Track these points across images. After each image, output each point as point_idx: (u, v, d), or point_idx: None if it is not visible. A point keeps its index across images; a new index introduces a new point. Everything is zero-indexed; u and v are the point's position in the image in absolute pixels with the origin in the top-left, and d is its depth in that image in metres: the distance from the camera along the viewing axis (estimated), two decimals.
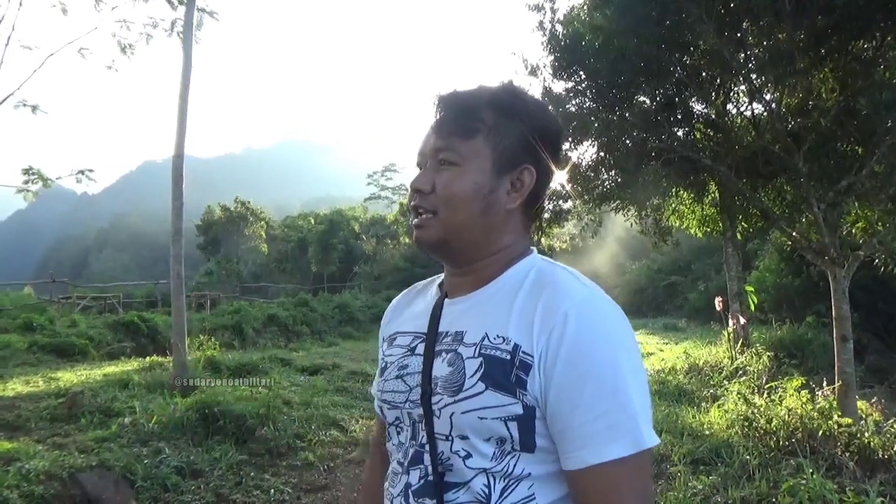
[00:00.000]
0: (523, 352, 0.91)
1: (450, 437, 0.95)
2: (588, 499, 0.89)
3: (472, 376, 0.93)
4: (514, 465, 0.92)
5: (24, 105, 13.61)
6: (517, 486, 0.93)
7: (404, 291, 1.24)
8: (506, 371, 0.91)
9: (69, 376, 7.89)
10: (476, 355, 0.94)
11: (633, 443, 0.87)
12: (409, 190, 1.04)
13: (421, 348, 1.04)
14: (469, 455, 0.94)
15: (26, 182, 13.03)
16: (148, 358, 9.90)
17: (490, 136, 1.00)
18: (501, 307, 0.98)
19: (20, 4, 9.47)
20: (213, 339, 10.78)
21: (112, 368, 8.79)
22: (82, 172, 14.72)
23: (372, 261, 37.67)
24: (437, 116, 1.04)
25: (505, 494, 0.92)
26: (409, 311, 1.16)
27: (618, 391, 0.88)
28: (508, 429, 0.91)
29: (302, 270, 40.77)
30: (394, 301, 1.24)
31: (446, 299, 1.07)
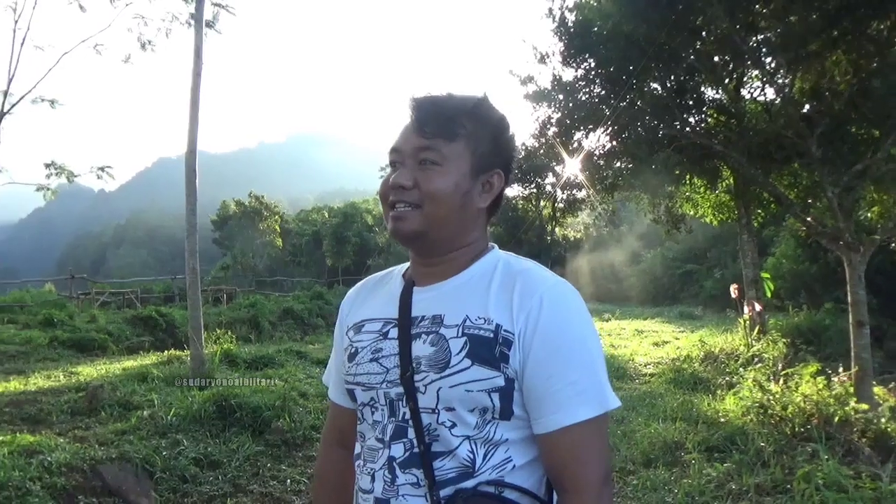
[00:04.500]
0: (505, 330, 1.03)
1: (436, 410, 1.04)
2: (559, 456, 1.03)
3: (457, 354, 1.03)
4: (494, 432, 1.04)
5: (42, 101, 13.73)
6: (496, 450, 1.04)
7: (360, 284, 1.32)
8: (490, 347, 1.02)
9: (89, 370, 8.00)
10: (460, 335, 1.04)
11: (600, 405, 1.02)
12: (387, 187, 1.11)
13: (393, 333, 1.12)
14: (454, 425, 1.03)
15: (48, 176, 13.17)
16: (166, 352, 10.00)
17: (470, 141, 1.10)
18: (477, 293, 1.09)
19: (35, 4, 9.58)
20: (229, 333, 10.84)
21: (131, 362, 8.90)
22: (102, 169, 14.85)
23: (386, 253, 37.73)
24: (415, 118, 1.11)
25: (487, 458, 1.04)
26: (372, 300, 1.23)
27: (585, 362, 1.03)
28: (492, 399, 1.02)
29: (317, 263, 40.91)
30: (351, 292, 1.31)
31: (415, 287, 1.15)
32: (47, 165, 13.90)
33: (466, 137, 1.10)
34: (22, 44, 13.08)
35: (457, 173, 1.08)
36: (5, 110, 12.98)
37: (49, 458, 4.03)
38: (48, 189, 14.43)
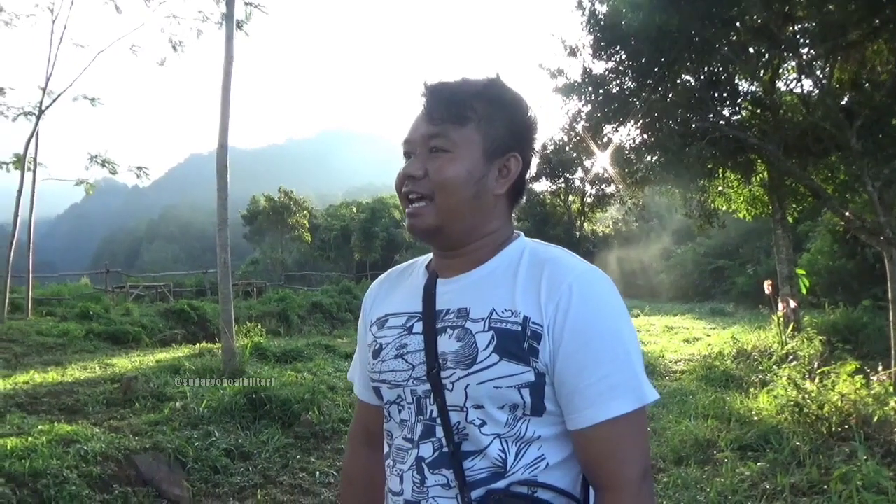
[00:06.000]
0: (533, 322, 0.98)
1: (464, 408, 1.00)
2: (594, 454, 0.98)
3: (485, 349, 0.98)
4: (526, 429, 1.00)
5: (84, 98, 14.05)
6: (528, 448, 1.00)
7: (382, 277, 1.27)
8: (518, 341, 0.98)
9: (124, 362, 8.15)
10: (486, 329, 1.00)
11: (636, 399, 0.97)
12: (399, 177, 1.08)
13: (418, 327, 1.07)
14: (484, 423, 0.99)
15: (87, 168, 13.43)
16: (198, 345, 10.16)
17: (481, 125, 1.05)
18: (503, 284, 1.04)
19: (72, 4, 9.76)
20: (259, 327, 10.99)
21: (164, 355, 9.05)
22: (140, 168, 15.18)
23: (413, 248, 37.86)
24: (427, 105, 1.07)
25: (519, 457, 1.00)
26: (395, 294, 1.19)
27: (619, 354, 0.97)
28: (522, 395, 0.98)
29: (345, 258, 41.29)
30: (373, 286, 1.27)
31: (439, 279, 1.11)
32: (92, 157, 14.23)
33: (477, 120, 1.04)
34: (59, 43, 13.42)
35: (469, 159, 1.03)
36: (45, 107, 13.32)
37: (85, 448, 4.12)
38: (87, 183, 14.79)
